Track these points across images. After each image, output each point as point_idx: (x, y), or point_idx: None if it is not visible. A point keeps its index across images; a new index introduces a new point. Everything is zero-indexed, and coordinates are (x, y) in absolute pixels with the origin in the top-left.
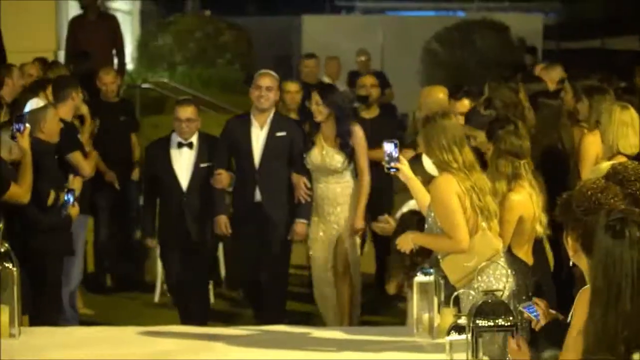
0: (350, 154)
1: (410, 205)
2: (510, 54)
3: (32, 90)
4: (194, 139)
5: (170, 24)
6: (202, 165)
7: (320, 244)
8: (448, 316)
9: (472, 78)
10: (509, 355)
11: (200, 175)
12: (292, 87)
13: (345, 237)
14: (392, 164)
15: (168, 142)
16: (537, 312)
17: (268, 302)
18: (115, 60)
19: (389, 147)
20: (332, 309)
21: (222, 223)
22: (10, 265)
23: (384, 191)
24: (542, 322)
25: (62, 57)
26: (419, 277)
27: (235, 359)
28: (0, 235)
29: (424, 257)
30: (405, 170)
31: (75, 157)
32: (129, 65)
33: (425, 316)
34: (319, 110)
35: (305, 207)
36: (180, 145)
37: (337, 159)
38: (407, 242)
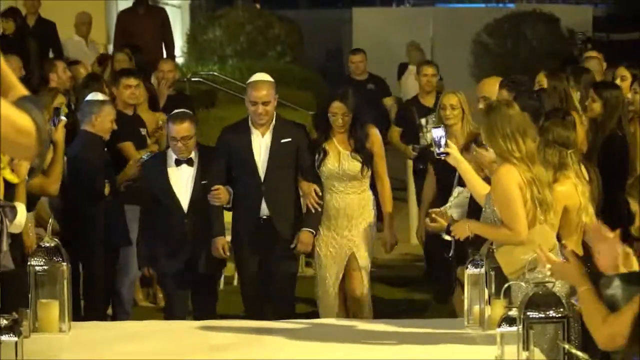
0: (369, 158)
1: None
2: (560, 45)
3: (87, 84)
4: (193, 155)
5: (220, 17)
6: (204, 182)
7: (331, 261)
8: (499, 308)
9: (523, 69)
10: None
11: (202, 194)
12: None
13: (358, 258)
14: (442, 149)
15: (164, 158)
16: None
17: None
18: (165, 55)
19: (437, 133)
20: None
21: (220, 245)
22: (60, 260)
23: None
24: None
25: (111, 50)
26: (470, 269)
27: (289, 355)
28: (50, 231)
29: (475, 248)
30: (455, 155)
31: (126, 147)
32: (179, 59)
33: (476, 308)
34: (346, 119)
35: (314, 216)
36: (178, 162)
37: (356, 164)
38: (463, 230)
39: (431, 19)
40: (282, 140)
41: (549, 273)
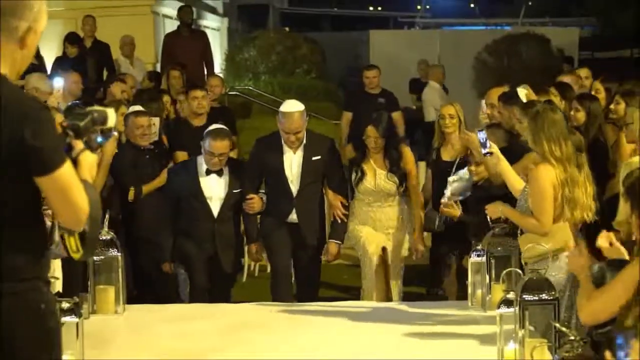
0: (402, 176)
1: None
2: (550, 62)
3: (140, 97)
4: (223, 165)
5: (254, 39)
6: (235, 191)
7: (372, 237)
8: (498, 292)
9: (517, 83)
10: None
11: (232, 202)
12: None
13: (392, 257)
14: (486, 150)
15: (194, 166)
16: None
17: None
18: (206, 72)
19: (481, 135)
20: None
21: (254, 250)
22: (115, 252)
23: None
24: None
25: (158, 68)
26: (473, 258)
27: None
28: (107, 224)
29: (477, 240)
30: (497, 154)
31: (178, 156)
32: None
33: (479, 292)
34: (379, 142)
35: (340, 227)
36: (208, 172)
37: (392, 183)
38: (496, 211)
39: (438, 40)
40: (313, 158)
41: (566, 260)
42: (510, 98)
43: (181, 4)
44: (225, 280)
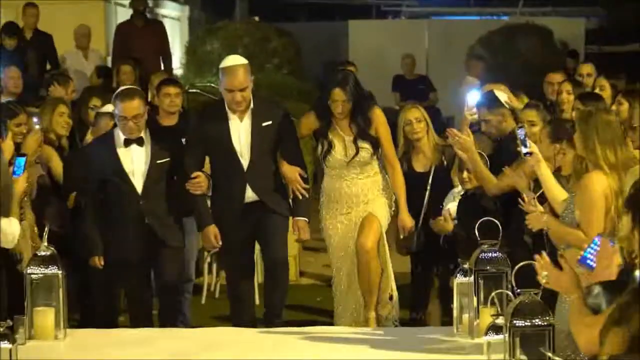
0: (374, 141)
1: (450, 203)
2: (552, 57)
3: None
4: (143, 133)
5: (218, 30)
6: (159, 161)
7: (341, 232)
8: (487, 316)
9: (515, 81)
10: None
11: (158, 175)
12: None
13: (377, 217)
14: (527, 149)
15: (112, 138)
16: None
17: (268, 309)
18: (163, 67)
19: (521, 133)
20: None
21: (212, 234)
22: (55, 269)
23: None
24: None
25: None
26: (459, 278)
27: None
28: (45, 239)
29: (465, 258)
30: (537, 155)
31: None
32: (178, 71)
33: (465, 316)
34: (347, 106)
35: (304, 203)
36: (127, 142)
37: (364, 148)
38: (538, 222)
39: (426, 31)
40: (264, 124)
41: (544, 280)
42: (495, 101)
43: None
44: (170, 261)
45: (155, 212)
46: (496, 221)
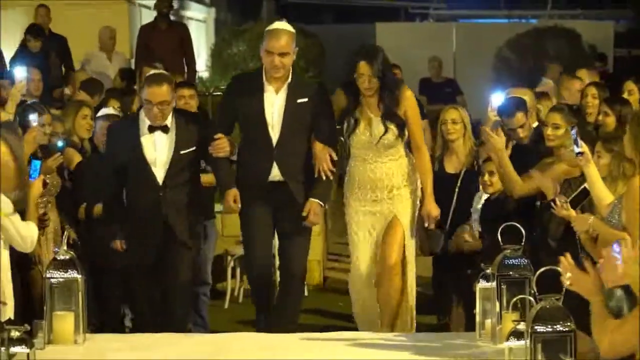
0: (401, 123)
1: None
2: (581, 60)
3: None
4: (168, 121)
5: (244, 32)
6: (183, 152)
7: (368, 234)
8: (510, 322)
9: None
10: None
11: (180, 167)
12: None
13: (404, 222)
14: (579, 149)
15: (135, 124)
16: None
17: (281, 305)
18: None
19: (574, 133)
20: (372, 316)
21: (231, 196)
22: (74, 273)
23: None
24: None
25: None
26: (482, 283)
27: None
28: (65, 244)
29: (489, 263)
30: (588, 156)
31: None
32: (204, 73)
33: (488, 322)
34: (374, 81)
35: (324, 186)
36: (152, 129)
37: (390, 129)
38: (584, 224)
39: (454, 34)
40: (299, 101)
41: (567, 282)
42: (515, 107)
43: None
44: (180, 252)
45: (174, 204)
46: (519, 226)
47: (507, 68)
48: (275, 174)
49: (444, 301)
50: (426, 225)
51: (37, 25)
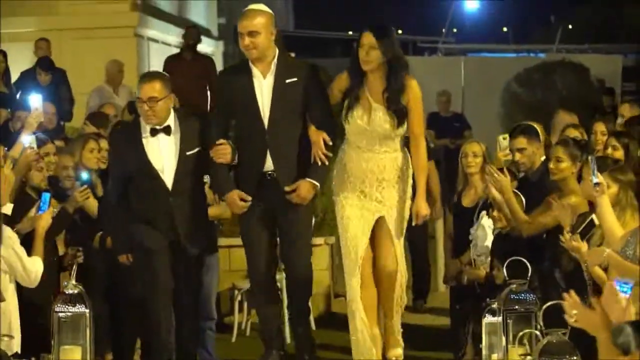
0: (402, 114)
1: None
2: (589, 94)
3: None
4: (170, 121)
5: None
6: (189, 152)
7: (356, 223)
8: (516, 356)
9: (552, 119)
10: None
11: (187, 169)
12: None
13: (390, 222)
14: (596, 180)
15: (137, 128)
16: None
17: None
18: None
19: (593, 162)
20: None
21: (236, 196)
22: (82, 308)
23: None
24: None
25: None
26: (488, 318)
27: None
28: (74, 277)
29: (492, 297)
30: (604, 187)
31: None
32: None
33: (494, 356)
34: (373, 54)
35: (319, 169)
36: (154, 132)
37: (388, 119)
38: (599, 257)
39: (462, 68)
40: (287, 81)
41: (572, 320)
42: (535, 133)
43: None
44: (191, 267)
45: (183, 209)
46: (525, 261)
47: (516, 102)
48: (269, 165)
49: (460, 335)
50: (414, 223)
51: (49, 59)
